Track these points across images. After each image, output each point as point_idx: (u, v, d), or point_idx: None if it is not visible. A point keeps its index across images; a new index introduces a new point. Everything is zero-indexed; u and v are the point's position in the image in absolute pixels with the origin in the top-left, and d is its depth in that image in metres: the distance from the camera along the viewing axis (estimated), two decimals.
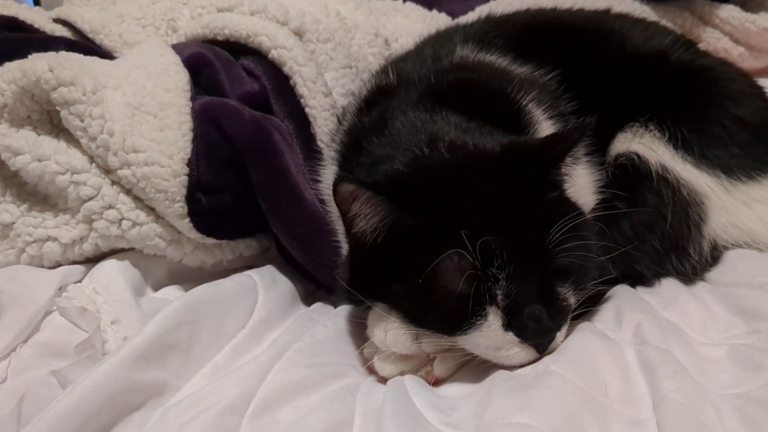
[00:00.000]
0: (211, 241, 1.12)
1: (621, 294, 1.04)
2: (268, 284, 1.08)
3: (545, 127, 1.10)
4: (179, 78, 1.17)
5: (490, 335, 0.88)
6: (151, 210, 1.08)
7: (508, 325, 0.87)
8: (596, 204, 1.11)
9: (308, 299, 1.16)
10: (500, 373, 0.87)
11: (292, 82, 1.25)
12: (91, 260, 1.09)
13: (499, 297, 0.87)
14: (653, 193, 1.11)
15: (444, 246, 0.86)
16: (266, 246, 1.22)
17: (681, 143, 1.14)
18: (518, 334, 0.87)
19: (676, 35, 1.36)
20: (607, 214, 1.06)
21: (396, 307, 0.92)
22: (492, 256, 0.85)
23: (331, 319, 1.05)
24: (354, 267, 0.96)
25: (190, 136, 1.10)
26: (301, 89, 1.24)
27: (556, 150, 0.93)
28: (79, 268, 1.06)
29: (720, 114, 1.18)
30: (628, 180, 1.13)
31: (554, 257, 0.88)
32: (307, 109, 1.24)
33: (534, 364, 0.87)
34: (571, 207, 0.96)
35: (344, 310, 1.08)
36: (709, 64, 1.30)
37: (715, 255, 1.14)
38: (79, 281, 1.04)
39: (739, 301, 0.99)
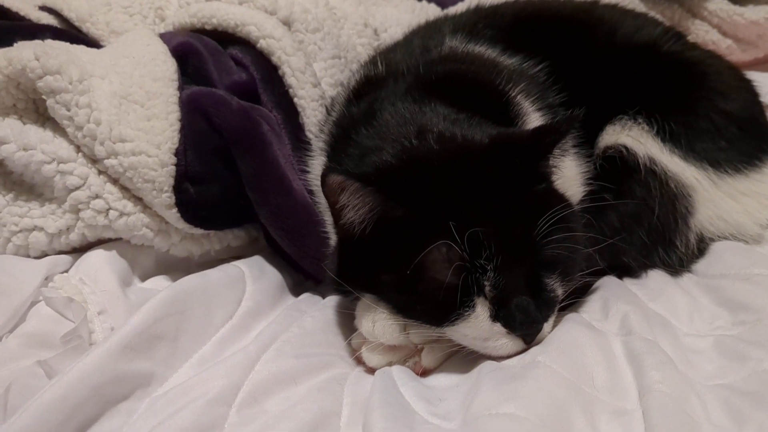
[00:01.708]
0: (198, 231, 1.12)
1: (608, 285, 1.05)
2: (256, 275, 1.07)
3: (534, 118, 1.10)
4: (167, 67, 1.16)
5: (477, 326, 0.88)
6: (138, 200, 1.08)
7: (495, 316, 0.87)
8: (584, 196, 1.11)
9: (296, 290, 1.15)
10: (487, 364, 0.88)
11: (280, 72, 1.24)
12: (78, 250, 1.08)
13: (487, 288, 0.87)
14: (641, 186, 1.12)
15: (432, 237, 0.86)
16: (254, 236, 1.21)
17: (669, 136, 1.14)
18: (506, 325, 0.87)
19: (666, 26, 1.37)
20: (594, 205, 1.07)
21: (384, 298, 0.92)
22: (480, 247, 0.85)
23: (319, 310, 1.05)
24: (342, 258, 0.96)
25: (177, 125, 1.09)
26: (290, 79, 1.24)
27: (545, 142, 0.93)
28: (66, 258, 1.05)
29: (708, 107, 1.19)
30: (616, 172, 1.13)
31: (542, 249, 0.89)
32: (295, 100, 1.23)
33: (521, 355, 0.88)
34: (559, 199, 0.96)
35: (332, 300, 1.08)
36: (699, 57, 1.30)
37: (701, 247, 1.14)
38: (66, 271, 1.03)
39: (724, 292, 1.00)
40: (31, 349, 0.89)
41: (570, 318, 0.94)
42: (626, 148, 1.14)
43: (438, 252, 0.86)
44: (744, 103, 1.23)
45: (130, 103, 1.09)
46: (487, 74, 1.13)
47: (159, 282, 1.09)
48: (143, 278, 1.10)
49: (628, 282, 1.08)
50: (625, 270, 1.11)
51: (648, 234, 1.11)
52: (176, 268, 1.14)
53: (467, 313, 0.88)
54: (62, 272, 1.03)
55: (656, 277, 1.09)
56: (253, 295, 1.03)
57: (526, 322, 0.88)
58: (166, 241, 1.10)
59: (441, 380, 0.91)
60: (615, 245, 1.08)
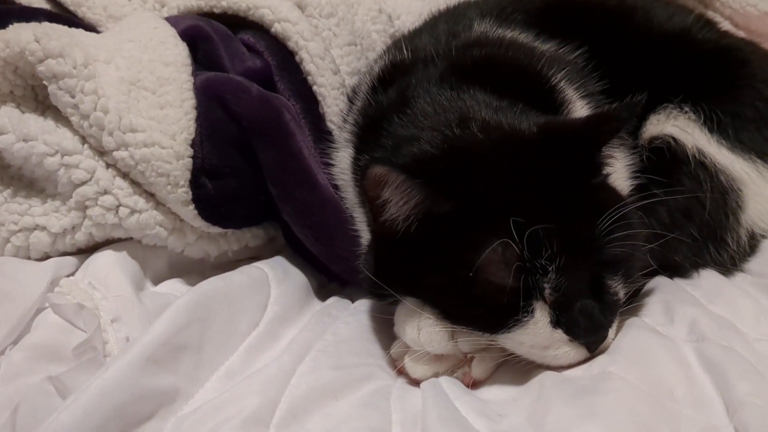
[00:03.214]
0: (216, 230, 1.02)
1: (664, 286, 0.97)
2: (280, 277, 0.98)
3: (579, 107, 1.03)
4: (178, 51, 1.06)
5: (536, 333, 0.80)
6: (150, 196, 0.98)
7: (556, 322, 0.79)
8: (631, 190, 1.04)
9: (321, 292, 1.06)
10: (548, 375, 0.79)
11: (297, 58, 1.15)
12: (83, 251, 0.98)
13: (547, 291, 0.79)
14: (691, 179, 1.05)
15: (486, 235, 0.78)
16: (272, 235, 1.12)
17: (717, 126, 1.08)
18: (568, 332, 0.79)
19: (697, 13, 1.30)
20: (644, 202, 0.99)
21: (430, 302, 0.83)
22: (540, 246, 0.77)
23: (351, 315, 0.96)
24: (381, 258, 0.87)
25: (193, 114, 1.00)
26: (308, 66, 1.14)
27: (603, 130, 0.85)
28: (71, 260, 0.95)
29: (753, 95, 1.13)
30: (664, 164, 1.06)
31: (604, 247, 0.81)
32: (315, 88, 1.14)
33: (587, 365, 0.80)
34: (616, 193, 0.89)
35: (363, 304, 0.99)
36: (737, 44, 1.24)
37: (752, 244, 1.08)
38: (71, 274, 0.93)
39: None
40: (38, 362, 0.79)
41: (632, 323, 0.86)
42: (674, 138, 1.07)
43: (493, 252, 0.78)
44: None
45: (140, 90, 0.99)
46: (527, 59, 1.05)
47: (173, 286, 0.99)
48: (155, 282, 1.00)
49: (680, 282, 1.00)
50: (676, 269, 1.03)
51: (699, 230, 1.04)
52: (190, 270, 1.04)
53: (525, 319, 0.79)
54: (67, 276, 0.93)
55: (710, 277, 1.01)
56: (279, 299, 0.94)
57: (591, 329, 0.80)
58: (180, 240, 1.00)
59: (495, 393, 0.82)
60: (665, 242, 1.00)
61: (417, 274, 0.83)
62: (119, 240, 0.98)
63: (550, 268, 0.78)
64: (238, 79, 1.05)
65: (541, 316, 0.79)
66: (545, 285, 0.78)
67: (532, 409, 0.74)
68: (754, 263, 1.05)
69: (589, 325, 0.79)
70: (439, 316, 0.83)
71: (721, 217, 1.05)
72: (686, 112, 1.08)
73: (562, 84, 1.03)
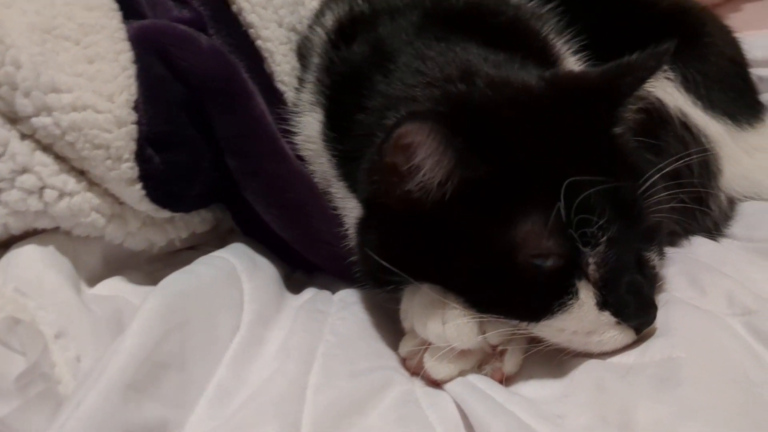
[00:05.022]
0: (164, 214, 0.83)
1: (671, 256, 0.89)
2: (249, 268, 0.81)
3: (572, 62, 0.94)
4: None
5: (581, 318, 0.69)
6: (80, 174, 0.78)
7: (603, 303, 0.69)
8: None
9: (287, 284, 0.90)
10: (596, 364, 0.69)
11: (235, 8, 0.97)
12: None
13: (591, 267, 0.69)
14: (678, 141, 0.99)
15: (526, 203, 0.67)
16: (219, 219, 0.94)
17: (692, 85, 1.03)
18: (616, 314, 0.69)
19: None
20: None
21: (455, 289, 0.71)
22: (592, 214, 0.67)
23: (344, 309, 0.81)
24: (391, 237, 0.73)
25: (132, 69, 0.80)
26: (250, 17, 0.96)
27: (626, 81, 0.77)
28: None
29: (717, 54, 1.09)
30: (651, 126, 0.99)
31: (645, 214, 0.72)
32: (259, 42, 0.96)
33: (638, 351, 0.70)
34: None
35: (351, 295, 0.84)
36: (690, 4, 1.20)
37: (731, 209, 1.04)
38: None
39: None
40: None
41: (666, 299, 0.76)
42: (658, 99, 1.00)
43: (535, 223, 0.67)
44: (739, 53, 1.15)
45: (59, 40, 0.78)
46: (511, 10, 0.94)
47: (117, 286, 0.79)
48: (90, 282, 0.79)
49: (678, 251, 0.94)
50: (671, 237, 0.97)
51: (689, 195, 0.98)
52: (125, 265, 0.84)
53: (570, 302, 0.69)
54: None
55: (704, 244, 0.96)
56: (255, 296, 0.77)
57: (641, 308, 0.70)
58: (121, 229, 0.80)
59: (536, 389, 0.70)
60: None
61: (439, 256, 0.70)
62: (41, 232, 0.77)
63: (601, 240, 0.68)
64: (182, 27, 0.86)
65: (586, 298, 0.69)
66: (590, 260, 0.68)
67: (601, 406, 0.63)
68: (737, 228, 1.00)
69: (638, 305, 0.70)
70: (465, 304, 0.71)
71: (704, 181, 1.00)
72: (664, 70, 1.02)
73: (552, 37, 0.93)
